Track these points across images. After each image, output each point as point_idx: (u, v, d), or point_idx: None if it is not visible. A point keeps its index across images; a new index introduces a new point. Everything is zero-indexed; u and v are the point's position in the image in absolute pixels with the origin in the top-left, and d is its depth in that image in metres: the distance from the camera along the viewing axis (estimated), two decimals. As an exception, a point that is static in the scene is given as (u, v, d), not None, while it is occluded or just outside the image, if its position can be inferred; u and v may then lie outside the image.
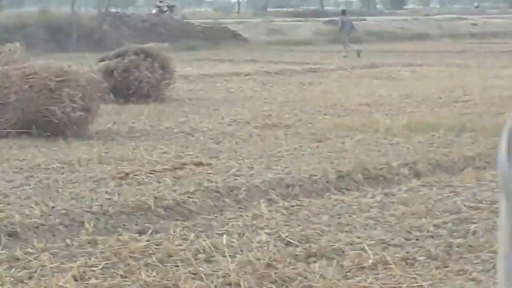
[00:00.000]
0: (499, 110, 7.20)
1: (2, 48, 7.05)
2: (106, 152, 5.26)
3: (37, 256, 2.96)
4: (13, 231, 3.28)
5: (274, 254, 2.86)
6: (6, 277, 2.73)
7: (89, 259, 2.91)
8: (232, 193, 3.92)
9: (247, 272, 2.64)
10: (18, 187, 4.11)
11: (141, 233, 3.30)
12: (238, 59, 15.43)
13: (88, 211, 3.50)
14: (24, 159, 5.02)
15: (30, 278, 2.75)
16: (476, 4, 55.65)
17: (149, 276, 2.68)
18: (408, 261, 2.75)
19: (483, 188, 4.03)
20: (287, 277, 2.58)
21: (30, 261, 2.93)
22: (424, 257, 2.82)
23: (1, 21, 19.65)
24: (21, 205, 3.66)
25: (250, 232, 3.25)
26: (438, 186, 4.18)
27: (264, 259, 2.76)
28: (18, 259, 2.96)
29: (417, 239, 3.07)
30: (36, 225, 3.36)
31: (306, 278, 2.54)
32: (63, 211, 3.50)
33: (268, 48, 19.76)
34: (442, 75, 11.63)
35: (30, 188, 4.06)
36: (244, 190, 3.94)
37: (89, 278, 2.72)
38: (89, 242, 3.14)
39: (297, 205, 3.75)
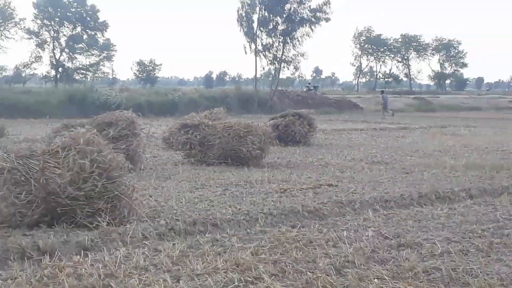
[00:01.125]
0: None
1: (212, 110, 11.54)
2: (273, 176, 7.74)
3: (229, 239, 4.10)
4: (215, 223, 4.64)
5: (377, 244, 4.00)
6: (210, 251, 3.64)
7: (261, 242, 4.01)
8: (350, 204, 5.65)
9: (359, 254, 3.72)
10: (219, 196, 6.04)
11: (293, 227, 4.66)
12: (356, 120, 23.87)
13: (260, 212, 5.12)
14: (222, 179, 7.44)
15: (224, 252, 3.68)
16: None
17: (298, 254, 3.65)
18: (464, 251, 3.80)
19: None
20: (385, 259, 3.64)
21: (225, 242, 4.01)
22: (475, 250, 3.84)
23: (212, 95, 31.42)
24: (220, 207, 5.31)
25: (362, 230, 4.60)
26: (484, 204, 5.95)
27: (370, 247, 3.88)
28: (217, 240, 4.06)
29: (469, 238, 4.22)
30: (229, 219, 4.80)
31: (397, 260, 3.59)
32: (246, 212, 5.09)
33: (376, 114, 29.12)
34: (489, 133, 17.26)
35: (225, 197, 6.03)
36: (358, 202, 5.71)
37: (261, 254, 3.69)
38: (261, 231, 4.44)
39: (392, 213, 5.37)
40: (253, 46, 31.65)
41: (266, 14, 30.98)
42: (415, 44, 63.40)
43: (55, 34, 40.66)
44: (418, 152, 11.41)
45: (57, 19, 40.54)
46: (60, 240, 3.86)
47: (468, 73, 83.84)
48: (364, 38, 61.80)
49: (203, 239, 4.11)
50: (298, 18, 30.96)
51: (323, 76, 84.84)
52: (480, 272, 3.22)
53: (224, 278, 3.05)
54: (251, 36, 31.27)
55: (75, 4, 41.81)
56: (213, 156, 8.67)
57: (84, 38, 43.09)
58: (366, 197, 6.03)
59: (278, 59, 32.15)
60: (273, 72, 34.67)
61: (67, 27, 41.73)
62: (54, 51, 40.97)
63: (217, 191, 6.45)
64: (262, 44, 31.82)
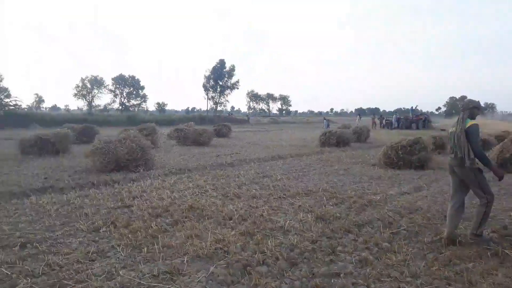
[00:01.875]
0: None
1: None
2: (214, 150, 13.62)
3: (194, 175, 10.23)
4: (189, 169, 10.71)
5: (255, 176, 9.71)
6: (186, 181, 9.91)
7: (208, 176, 10.02)
8: (245, 161, 11.86)
9: (248, 180, 9.46)
10: (192, 157, 11.75)
11: (220, 170, 10.48)
12: (247, 127, 40.95)
13: (208, 164, 10.85)
14: (195, 152, 12.94)
15: (192, 181, 9.90)
16: None
17: (222, 181, 9.60)
18: (288, 178, 9.49)
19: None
20: (258, 181, 9.29)
21: (192, 176, 10.17)
22: (292, 178, 9.66)
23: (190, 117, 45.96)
24: (192, 162, 11.22)
25: (249, 170, 10.39)
26: (297, 160, 12.36)
27: (252, 177, 9.57)
28: (189, 176, 10.20)
29: (290, 172, 10.05)
30: (195, 167, 10.81)
31: (262, 182, 9.26)
32: (202, 164, 10.91)
33: (257, 124, 53.82)
34: (299, 131, 33.87)
35: (195, 158, 11.68)
36: (248, 160, 11.91)
37: (207, 181, 9.67)
38: (208, 172, 10.33)
39: (261, 164, 11.71)
40: (207, 95, 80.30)
41: (212, 82, 79.07)
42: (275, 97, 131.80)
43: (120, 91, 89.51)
44: (272, 139, 23.56)
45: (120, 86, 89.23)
46: (122, 177, 9.12)
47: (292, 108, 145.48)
48: (251, 94, 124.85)
49: (183, 175, 9.56)
50: (225, 86, 79.73)
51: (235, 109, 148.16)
52: (294, 185, 8.87)
53: (191, 190, 8.42)
54: (206, 91, 79.83)
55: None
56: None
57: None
58: (250, 158, 12.44)
59: (216, 102, 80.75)
60: (214, 107, 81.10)
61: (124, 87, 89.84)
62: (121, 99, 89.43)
63: (192, 156, 12.21)
64: (211, 95, 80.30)
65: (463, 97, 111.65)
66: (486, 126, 39.79)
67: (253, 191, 7.80)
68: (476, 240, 4.86)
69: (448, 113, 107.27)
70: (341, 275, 3.95)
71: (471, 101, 4.95)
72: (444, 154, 15.17)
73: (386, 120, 44.72)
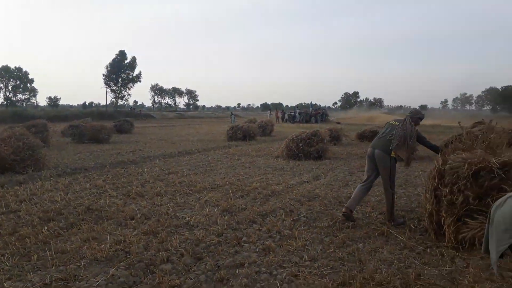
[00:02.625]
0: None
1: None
2: (119, 145, 12.47)
3: (92, 175, 9.56)
4: (85, 168, 9.98)
5: (160, 173, 9.45)
6: (81, 180, 9.29)
7: (107, 174, 9.46)
8: (150, 157, 11.21)
9: (152, 178, 9.16)
10: (90, 155, 10.89)
11: (122, 168, 9.97)
12: (154, 123, 53.32)
13: (108, 162, 10.23)
14: (93, 150, 12.01)
15: (89, 180, 9.30)
16: None
17: (124, 179, 9.17)
18: (194, 173, 9.45)
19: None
20: (163, 179, 9.05)
21: (88, 175, 9.51)
22: (199, 172, 9.67)
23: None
24: (90, 160, 10.43)
25: (153, 168, 10.07)
26: (203, 155, 12.84)
27: (156, 174, 9.30)
28: (86, 176, 9.57)
29: (196, 167, 9.91)
30: (92, 166, 10.10)
31: (167, 179, 9.04)
32: (101, 162, 10.22)
33: (162, 119, 51.14)
34: (206, 126, 32.37)
35: (91, 156, 10.88)
36: (153, 157, 11.36)
37: (107, 180, 9.17)
38: (108, 170, 9.74)
39: (166, 160, 11.42)
40: (107, 88, 75.33)
41: (113, 75, 74.04)
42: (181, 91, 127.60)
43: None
44: (178, 134, 23.38)
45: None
46: (7, 179, 8.13)
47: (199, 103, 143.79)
48: (155, 88, 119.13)
49: (79, 175, 8.92)
50: (127, 79, 75.61)
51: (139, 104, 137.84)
52: (201, 180, 8.78)
53: (88, 191, 7.85)
54: (106, 84, 74.90)
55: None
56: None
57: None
58: (154, 154, 12.34)
59: (118, 96, 76.54)
60: (115, 101, 77.05)
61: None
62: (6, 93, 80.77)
63: (89, 154, 11.31)
64: (112, 89, 75.46)
65: (356, 93, 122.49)
66: (375, 119, 44.27)
67: (158, 189, 7.56)
68: (394, 224, 5.43)
69: (343, 107, 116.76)
70: (246, 264, 4.03)
71: (418, 111, 5.84)
72: (339, 145, 16.47)
73: (288, 114, 46.90)
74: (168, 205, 6.32)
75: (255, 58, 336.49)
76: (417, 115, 5.71)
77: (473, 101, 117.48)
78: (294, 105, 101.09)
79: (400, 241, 4.73)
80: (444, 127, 31.92)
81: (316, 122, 41.08)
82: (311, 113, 44.10)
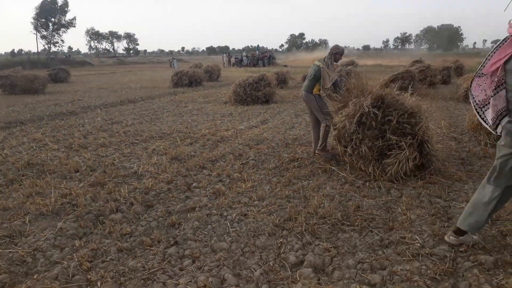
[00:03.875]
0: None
1: None
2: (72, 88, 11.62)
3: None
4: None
5: (103, 123, 9.11)
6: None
7: (45, 128, 8.97)
8: (91, 107, 10.70)
9: (95, 128, 8.80)
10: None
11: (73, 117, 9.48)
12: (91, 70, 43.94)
13: (64, 110, 9.61)
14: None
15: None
16: None
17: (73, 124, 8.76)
18: (140, 122, 9.19)
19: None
20: (106, 129, 8.75)
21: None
22: (144, 121, 9.38)
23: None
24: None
25: (95, 117, 9.65)
26: (149, 103, 12.33)
27: (100, 124, 8.96)
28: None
29: (142, 116, 9.74)
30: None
31: (111, 129, 8.75)
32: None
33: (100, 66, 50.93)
34: (149, 73, 31.33)
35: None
36: (93, 106, 10.91)
37: (45, 134, 8.71)
38: (46, 123, 9.22)
39: (109, 110, 10.97)
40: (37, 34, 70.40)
41: (43, 20, 69.33)
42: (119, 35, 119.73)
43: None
44: (119, 82, 22.29)
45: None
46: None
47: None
48: (91, 32, 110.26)
49: (15, 129, 8.36)
50: (59, 24, 70.85)
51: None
52: (146, 130, 8.57)
53: (27, 145, 7.44)
54: (36, 29, 69.80)
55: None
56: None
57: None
58: (95, 104, 11.81)
59: (50, 42, 72.43)
60: (47, 48, 73.73)
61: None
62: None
63: (24, 106, 10.79)
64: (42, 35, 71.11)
65: (301, 34, 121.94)
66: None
67: (101, 140, 7.33)
68: (322, 154, 5.86)
69: (290, 49, 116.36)
70: (197, 208, 4.14)
71: (336, 47, 5.88)
72: (286, 88, 16.64)
73: (235, 58, 46.05)
74: (114, 155, 6.19)
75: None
76: (334, 51, 5.86)
77: (412, 40, 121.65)
78: (241, 48, 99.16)
79: (342, 177, 5.04)
80: (385, 66, 33.07)
81: (264, 65, 40.83)
82: (258, 57, 43.61)
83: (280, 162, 5.74)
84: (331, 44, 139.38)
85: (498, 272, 2.89)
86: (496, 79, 2.73)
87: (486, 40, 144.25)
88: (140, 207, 4.19)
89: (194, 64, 27.47)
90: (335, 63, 5.89)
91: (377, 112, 4.88)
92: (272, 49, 76.04)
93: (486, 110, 2.90)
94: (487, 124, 2.92)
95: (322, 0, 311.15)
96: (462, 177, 4.93)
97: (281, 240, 3.43)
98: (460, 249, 3.18)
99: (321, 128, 5.87)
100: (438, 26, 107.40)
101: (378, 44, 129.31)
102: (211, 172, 5.37)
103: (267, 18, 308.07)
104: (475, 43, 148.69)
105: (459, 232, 3.19)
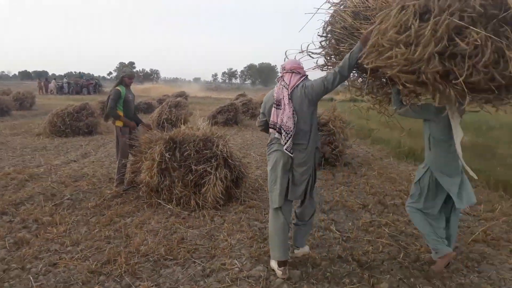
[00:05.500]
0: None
1: None
2: None
3: None
4: None
5: None
6: None
7: None
8: None
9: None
10: None
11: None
12: None
13: None
14: None
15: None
16: None
17: None
18: None
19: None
20: None
21: None
22: None
23: None
24: None
25: None
26: None
27: None
28: None
29: None
30: None
31: None
32: None
33: None
34: None
35: None
36: None
37: None
38: None
39: None
40: None
41: None
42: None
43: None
44: None
45: None
46: None
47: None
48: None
49: None
50: None
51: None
52: None
53: None
54: None
55: None
56: None
57: None
58: None
59: None
60: None
61: None
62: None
63: None
64: None
65: (132, 63, 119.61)
66: (151, 90, 44.44)
67: None
68: (120, 189, 5.61)
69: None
70: (-9, 265, 3.44)
71: (122, 70, 5.88)
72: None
73: (57, 84, 41.58)
74: None
75: (14, 15, 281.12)
76: (122, 74, 5.87)
77: (237, 75, 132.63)
78: (62, 74, 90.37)
79: (168, 210, 4.97)
80: (214, 98, 34.98)
81: (89, 93, 38.03)
82: (82, 84, 40.40)
83: (102, 199, 5.32)
84: (163, 74, 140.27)
85: (302, 283, 3.25)
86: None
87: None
88: None
89: (1, 91, 23.60)
90: (119, 86, 5.71)
91: (168, 155, 5.07)
92: (99, 76, 71.87)
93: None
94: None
95: (154, 30, 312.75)
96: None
97: (96, 287, 3.12)
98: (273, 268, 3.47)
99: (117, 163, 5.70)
100: (258, 64, 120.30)
101: (208, 77, 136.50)
102: (13, 217, 4.59)
103: (95, 44, 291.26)
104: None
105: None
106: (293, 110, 3.11)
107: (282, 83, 3.19)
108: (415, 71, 2.58)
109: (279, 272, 3.31)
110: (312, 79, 3.26)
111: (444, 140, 3.24)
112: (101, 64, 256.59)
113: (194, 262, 3.58)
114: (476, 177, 3.13)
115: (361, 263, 3.59)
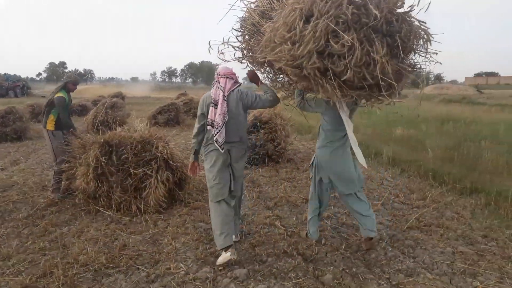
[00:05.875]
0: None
1: None
2: None
3: None
4: None
5: None
6: None
7: None
8: None
9: None
10: None
11: None
12: None
13: None
14: None
15: None
16: None
17: None
18: None
19: None
20: None
21: None
22: None
23: None
24: None
25: None
26: None
27: None
28: None
29: None
30: None
31: None
32: None
33: None
34: None
35: None
36: None
37: None
38: None
39: None
40: None
41: None
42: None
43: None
44: None
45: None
46: None
47: None
48: None
49: None
50: None
51: None
52: None
53: None
54: None
55: None
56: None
57: None
58: None
59: None
60: None
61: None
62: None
63: None
64: None
65: (63, 63, 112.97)
66: (85, 91, 42.24)
67: None
68: (57, 196, 5.30)
69: (49, 79, 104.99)
70: None
71: (68, 75, 5.62)
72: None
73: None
74: None
75: None
76: (66, 79, 5.55)
77: (178, 74, 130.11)
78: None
79: (107, 216, 4.77)
80: (154, 98, 34.07)
81: (16, 96, 35.28)
82: (8, 86, 37.35)
83: (35, 209, 4.97)
84: (98, 74, 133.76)
85: (249, 281, 3.28)
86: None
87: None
88: None
89: None
90: (62, 92, 5.35)
91: (104, 160, 4.87)
92: (27, 77, 66.91)
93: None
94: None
95: (85, 29, 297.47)
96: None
97: (31, 304, 2.92)
98: (219, 268, 3.47)
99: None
100: (199, 62, 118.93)
101: (147, 77, 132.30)
102: None
103: (19, 43, 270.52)
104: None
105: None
106: (226, 110, 3.47)
107: (219, 86, 3.55)
108: (299, 66, 2.91)
109: (227, 255, 3.40)
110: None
111: (333, 130, 3.67)
112: (28, 65, 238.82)
113: (138, 269, 3.48)
114: (366, 166, 3.62)
115: (306, 257, 3.70)
